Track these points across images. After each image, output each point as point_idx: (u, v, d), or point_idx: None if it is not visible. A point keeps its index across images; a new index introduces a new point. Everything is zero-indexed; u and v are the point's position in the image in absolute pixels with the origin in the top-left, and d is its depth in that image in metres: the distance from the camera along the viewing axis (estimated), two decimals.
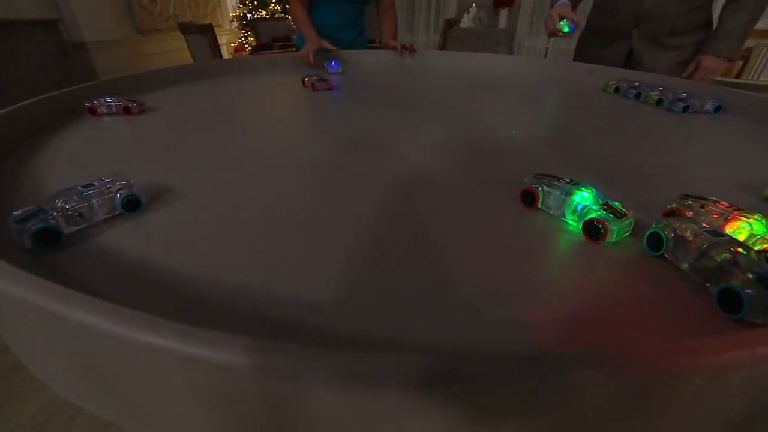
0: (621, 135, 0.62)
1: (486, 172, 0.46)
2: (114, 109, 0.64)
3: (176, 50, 2.59)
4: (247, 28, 2.82)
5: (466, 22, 4.08)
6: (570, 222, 0.33)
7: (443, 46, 2.16)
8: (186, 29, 1.79)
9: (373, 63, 1.25)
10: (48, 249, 0.29)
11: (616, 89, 0.87)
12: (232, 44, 2.83)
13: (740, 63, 2.49)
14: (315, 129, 0.64)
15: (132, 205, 0.34)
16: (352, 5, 1.31)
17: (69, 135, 0.56)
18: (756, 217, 0.31)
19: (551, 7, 1.07)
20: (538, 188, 0.34)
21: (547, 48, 4.15)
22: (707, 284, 0.26)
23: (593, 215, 0.30)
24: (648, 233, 0.30)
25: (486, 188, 0.41)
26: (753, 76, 2.43)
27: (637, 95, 0.82)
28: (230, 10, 3.23)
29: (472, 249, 0.31)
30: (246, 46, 2.81)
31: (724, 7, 0.96)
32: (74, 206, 0.31)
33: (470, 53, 1.24)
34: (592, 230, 0.30)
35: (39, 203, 0.31)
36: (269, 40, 2.12)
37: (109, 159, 0.49)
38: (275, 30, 2.28)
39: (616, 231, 0.30)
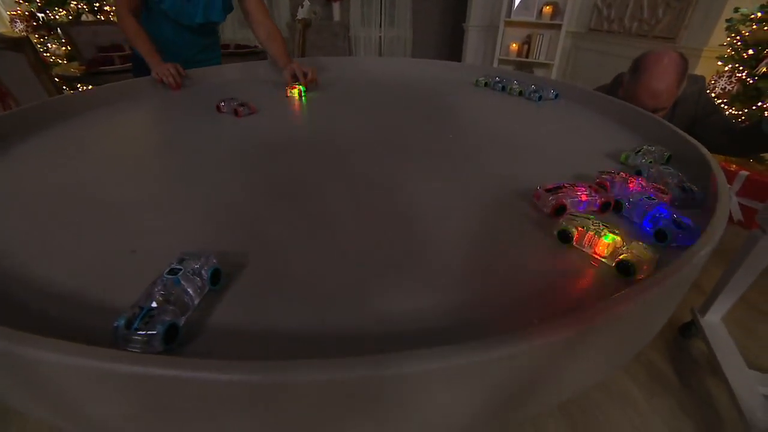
0: (508, 119, 0.83)
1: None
2: None
3: None
4: (42, 33, 2.21)
5: (301, 15, 4.08)
6: (602, 260, 0.39)
7: (303, 48, 2.16)
8: None
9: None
10: (167, 349, 0.28)
11: (486, 83, 1.10)
12: None
13: (526, 47, 3.25)
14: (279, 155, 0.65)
15: (217, 278, 0.33)
16: (200, 36, 1.20)
17: None
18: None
19: None
20: (572, 228, 0.40)
21: (381, 36, 4.53)
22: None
23: (624, 257, 0.36)
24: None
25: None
26: (535, 56, 3.21)
27: (503, 88, 1.06)
28: (2, 7, 2.47)
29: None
30: (50, 57, 2.19)
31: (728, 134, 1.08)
32: (178, 297, 0.29)
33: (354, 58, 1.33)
34: (624, 269, 0.36)
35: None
36: (94, 51, 1.71)
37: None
38: (96, 37, 1.84)
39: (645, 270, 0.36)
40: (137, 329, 0.27)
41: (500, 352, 0.24)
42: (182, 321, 0.29)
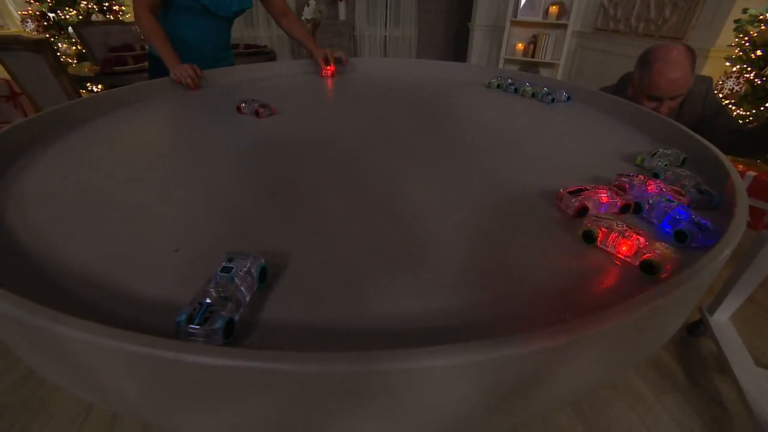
0: (522, 122, 0.84)
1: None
2: None
3: None
4: (53, 32, 2.23)
5: (307, 15, 4.10)
6: (626, 259, 0.40)
7: None
8: None
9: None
10: (226, 343, 0.30)
11: (498, 85, 1.12)
12: None
13: (531, 47, 3.26)
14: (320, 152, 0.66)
15: (264, 276, 0.35)
16: (221, 21, 1.21)
17: None
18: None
19: None
20: (597, 229, 0.42)
21: (386, 36, 4.54)
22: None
23: (648, 257, 0.38)
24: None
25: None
26: (541, 56, 3.21)
27: (515, 90, 1.07)
28: (13, 7, 2.50)
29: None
30: (61, 57, 2.22)
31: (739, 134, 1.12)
32: (232, 294, 0.31)
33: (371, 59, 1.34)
34: (648, 268, 0.38)
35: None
36: (105, 51, 1.73)
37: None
38: (107, 37, 1.87)
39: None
40: (200, 324, 0.29)
41: (502, 352, 0.25)
42: (237, 316, 0.31)
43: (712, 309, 1.19)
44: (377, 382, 0.26)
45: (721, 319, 1.17)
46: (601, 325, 0.28)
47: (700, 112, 1.14)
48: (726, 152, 1.19)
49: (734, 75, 1.79)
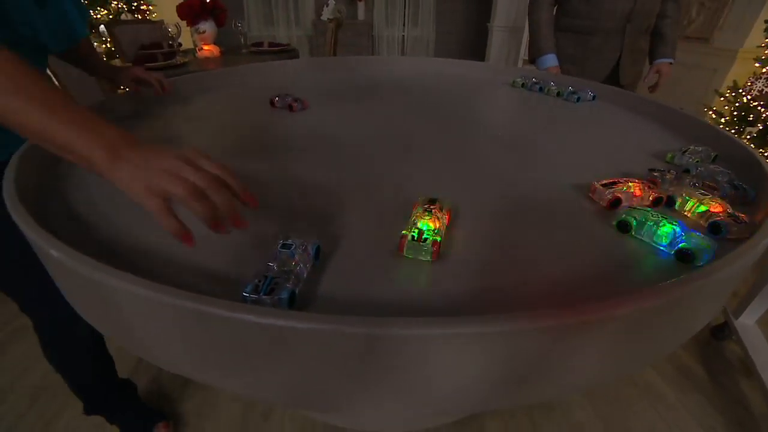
0: (549, 120, 0.85)
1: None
2: None
3: None
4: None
5: (326, 14, 4.15)
6: (661, 248, 0.41)
7: (334, 48, 2.20)
8: None
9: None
10: None
11: (523, 84, 1.13)
12: None
13: None
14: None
15: (317, 254, 0.38)
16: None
17: None
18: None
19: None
20: (632, 219, 0.43)
21: (404, 36, 4.56)
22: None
23: (684, 245, 0.39)
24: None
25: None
26: None
27: (540, 89, 1.08)
28: None
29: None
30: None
31: (661, 22, 1.26)
32: (293, 269, 0.34)
33: (394, 57, 1.36)
34: (684, 256, 0.39)
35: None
36: (135, 49, 1.80)
37: None
38: (137, 35, 1.94)
39: (704, 258, 0.39)
40: (266, 294, 0.31)
41: (508, 326, 0.27)
42: (297, 289, 0.34)
43: (738, 312, 1.17)
44: (389, 347, 0.28)
45: (747, 322, 1.15)
46: (621, 309, 0.29)
47: None
48: None
49: (764, 76, 1.75)
